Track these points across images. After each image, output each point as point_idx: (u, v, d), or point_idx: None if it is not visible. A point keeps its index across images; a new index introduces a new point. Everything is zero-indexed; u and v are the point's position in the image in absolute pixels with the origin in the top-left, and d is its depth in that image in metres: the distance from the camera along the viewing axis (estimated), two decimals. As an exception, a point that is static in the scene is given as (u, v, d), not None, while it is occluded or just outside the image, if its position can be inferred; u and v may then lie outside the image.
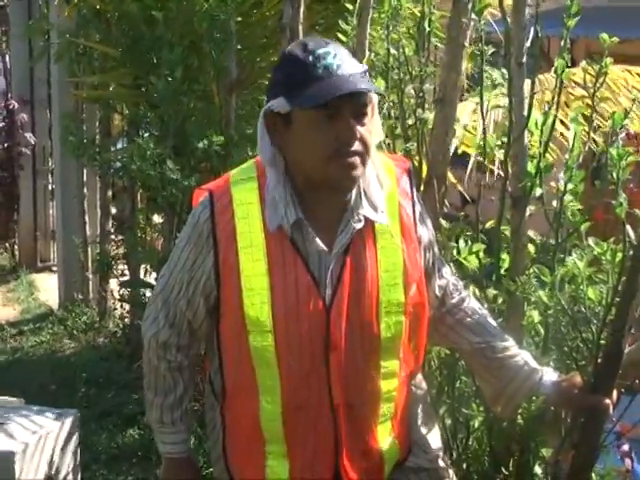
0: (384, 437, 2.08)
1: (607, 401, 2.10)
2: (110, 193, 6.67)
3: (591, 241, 2.22)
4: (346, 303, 1.95)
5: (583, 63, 2.40)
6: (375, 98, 1.96)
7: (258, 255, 1.95)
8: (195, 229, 2.02)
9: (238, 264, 1.95)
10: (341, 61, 1.89)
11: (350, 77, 1.87)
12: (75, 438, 3.66)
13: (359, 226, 1.97)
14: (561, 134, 3.90)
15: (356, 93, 1.87)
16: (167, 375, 2.14)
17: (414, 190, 2.09)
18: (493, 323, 2.22)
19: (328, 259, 1.96)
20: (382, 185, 2.01)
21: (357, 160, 1.90)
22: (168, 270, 2.10)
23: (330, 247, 1.96)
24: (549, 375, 2.15)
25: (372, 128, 1.95)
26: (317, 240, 1.95)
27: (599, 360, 2.18)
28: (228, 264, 1.97)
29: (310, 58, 1.88)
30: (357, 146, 1.89)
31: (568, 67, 2.42)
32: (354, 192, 1.98)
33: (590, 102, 2.39)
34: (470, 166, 4.23)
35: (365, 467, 2.06)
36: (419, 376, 2.29)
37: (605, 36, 2.30)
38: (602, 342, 2.21)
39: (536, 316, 2.46)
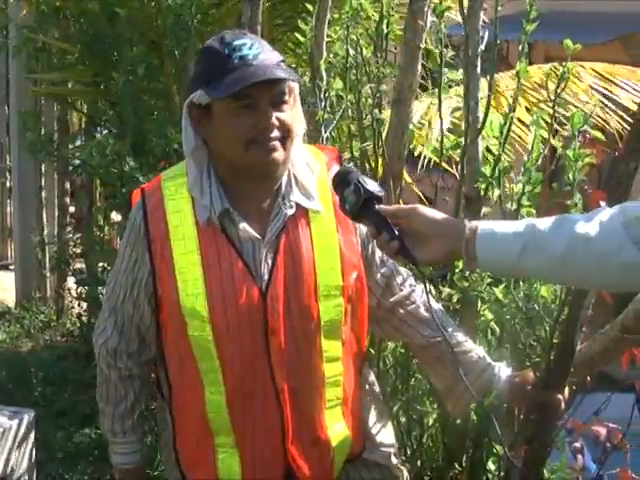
0: (333, 424, 2.09)
1: (559, 397, 2.13)
2: (68, 191, 6.63)
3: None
4: (282, 288, 1.98)
5: (546, 67, 2.43)
6: (297, 88, 1.99)
7: (191, 247, 1.97)
8: (132, 230, 2.06)
9: (172, 257, 1.98)
10: (257, 51, 1.92)
11: (266, 67, 1.90)
12: (31, 437, 3.64)
13: (290, 212, 2.00)
14: (519, 137, 3.95)
15: (273, 82, 1.91)
16: (118, 384, 2.15)
17: None
18: (447, 318, 2.24)
19: (261, 246, 1.98)
20: (313, 171, 2.04)
21: (277, 144, 1.93)
22: (113, 277, 2.13)
23: (263, 234, 1.99)
24: (502, 371, 2.17)
25: (295, 116, 1.98)
26: (248, 228, 1.97)
27: (552, 357, 2.21)
28: (164, 259, 1.99)
29: (226, 50, 1.92)
30: (276, 132, 1.93)
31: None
32: (284, 179, 2.01)
33: (550, 105, 2.42)
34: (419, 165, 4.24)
35: (316, 456, 2.08)
36: (371, 375, 2.31)
37: (569, 42, 2.32)
38: (555, 340, 2.24)
39: (490, 315, 2.50)
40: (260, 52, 1.92)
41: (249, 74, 1.88)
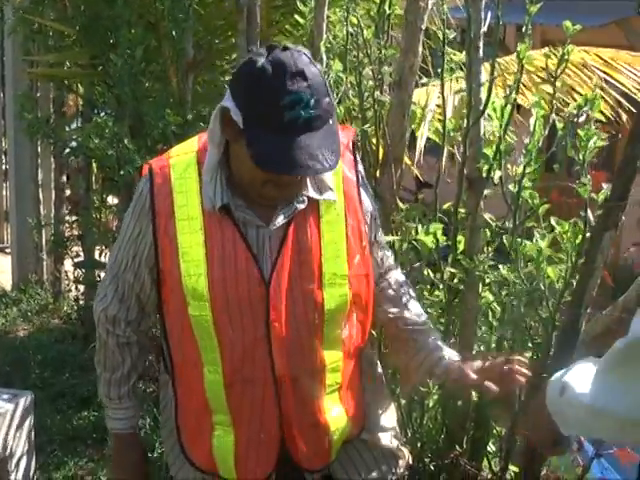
0: (332, 407, 2.09)
1: (488, 383, 2.04)
2: (65, 174, 6.61)
3: (553, 221, 2.25)
4: (286, 276, 1.97)
5: (545, 49, 2.42)
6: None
7: (195, 227, 1.97)
8: (138, 202, 2.05)
9: (176, 236, 1.97)
10: (310, 114, 1.78)
11: (311, 150, 1.79)
12: (29, 419, 3.63)
13: (302, 207, 1.98)
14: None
15: None
16: (115, 350, 2.16)
17: (357, 159, 2.10)
18: (413, 296, 2.23)
19: (267, 233, 1.97)
20: None
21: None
22: (116, 246, 2.13)
23: (269, 222, 1.97)
24: (449, 355, 2.13)
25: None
26: (255, 215, 1.96)
27: (554, 338, 2.22)
28: (167, 235, 1.99)
29: (283, 100, 1.76)
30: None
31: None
32: None
33: (550, 87, 2.42)
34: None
35: (314, 438, 2.08)
36: (375, 356, 2.31)
37: (568, 24, 2.31)
38: (557, 322, 2.24)
39: (491, 296, 2.50)
40: (312, 114, 1.78)
41: (291, 160, 1.78)
